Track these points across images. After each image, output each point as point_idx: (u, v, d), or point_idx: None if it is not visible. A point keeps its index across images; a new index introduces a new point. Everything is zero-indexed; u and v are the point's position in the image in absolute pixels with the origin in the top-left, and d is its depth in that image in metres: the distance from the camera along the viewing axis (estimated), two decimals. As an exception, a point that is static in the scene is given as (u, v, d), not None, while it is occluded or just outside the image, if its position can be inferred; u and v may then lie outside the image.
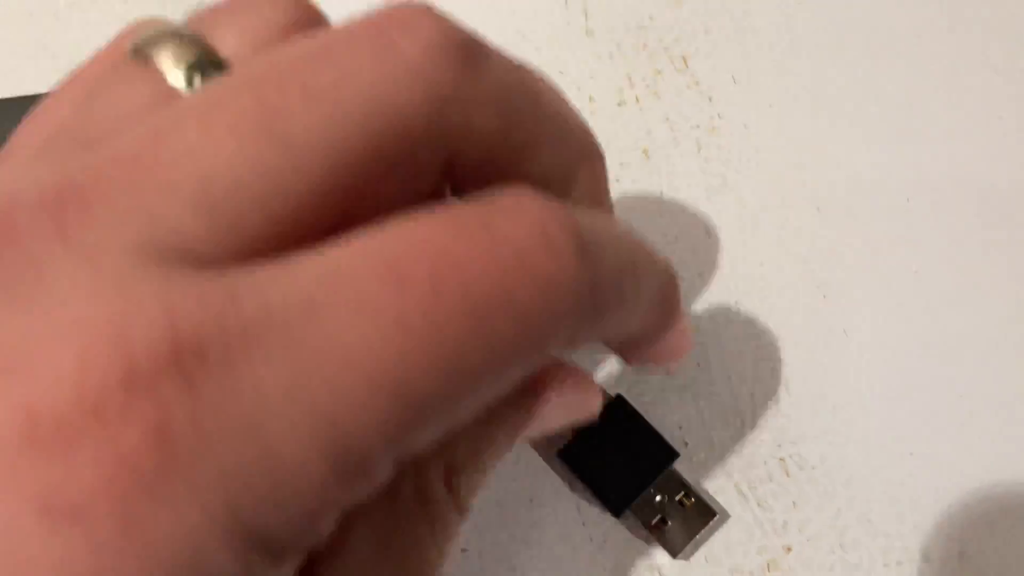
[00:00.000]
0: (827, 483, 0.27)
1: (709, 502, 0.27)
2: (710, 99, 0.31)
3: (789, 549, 0.27)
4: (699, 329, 0.29)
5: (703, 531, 0.26)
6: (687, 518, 0.26)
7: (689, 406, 0.28)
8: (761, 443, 0.28)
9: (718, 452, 0.28)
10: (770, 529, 0.27)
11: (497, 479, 0.27)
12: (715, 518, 0.26)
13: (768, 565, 0.27)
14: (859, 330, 0.29)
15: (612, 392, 0.28)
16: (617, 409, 0.27)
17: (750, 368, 0.28)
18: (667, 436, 0.28)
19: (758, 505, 0.27)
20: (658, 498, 0.26)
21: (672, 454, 0.27)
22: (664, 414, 0.28)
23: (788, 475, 0.27)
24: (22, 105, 0.27)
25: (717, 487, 0.27)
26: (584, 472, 0.27)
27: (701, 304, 0.29)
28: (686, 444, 0.28)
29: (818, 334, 0.29)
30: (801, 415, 0.28)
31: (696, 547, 0.26)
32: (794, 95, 0.31)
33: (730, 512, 0.27)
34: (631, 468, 0.26)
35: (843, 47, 0.31)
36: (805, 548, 0.27)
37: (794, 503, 0.27)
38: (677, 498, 0.26)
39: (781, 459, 0.27)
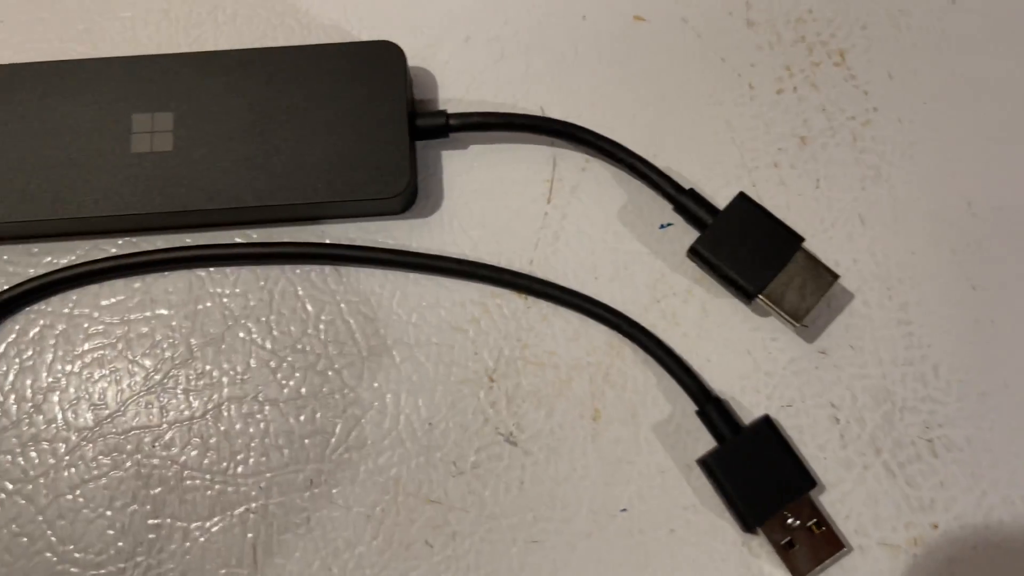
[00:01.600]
0: (973, 465, 0.29)
1: (838, 533, 0.27)
2: (866, 93, 0.32)
3: (936, 526, 0.28)
4: (853, 313, 0.30)
5: (828, 560, 0.27)
6: (815, 545, 0.27)
7: (842, 386, 0.29)
8: (910, 424, 0.29)
9: (869, 431, 0.29)
10: (917, 506, 0.28)
11: (631, 480, 0.29)
12: (842, 550, 0.27)
13: (915, 540, 0.28)
14: (1006, 321, 0.30)
15: (769, 398, 0.29)
16: (763, 429, 0.28)
17: (901, 352, 0.29)
18: (821, 415, 0.29)
19: (907, 483, 0.28)
20: (789, 520, 0.27)
21: (810, 481, 0.27)
22: (819, 392, 0.29)
23: (936, 456, 0.29)
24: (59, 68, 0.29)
25: (866, 463, 0.29)
26: (722, 484, 0.27)
27: (855, 289, 0.30)
28: (837, 421, 0.29)
29: (966, 323, 0.30)
30: (948, 399, 0.29)
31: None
32: (948, 91, 0.32)
33: (879, 488, 0.28)
34: (768, 488, 0.27)
35: (998, 44, 0.32)
36: (952, 526, 0.28)
37: (941, 483, 0.28)
38: (808, 524, 0.27)
39: (929, 440, 0.29)
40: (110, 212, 0.29)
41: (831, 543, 0.27)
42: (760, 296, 0.28)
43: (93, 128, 0.29)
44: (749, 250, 0.28)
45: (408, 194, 0.30)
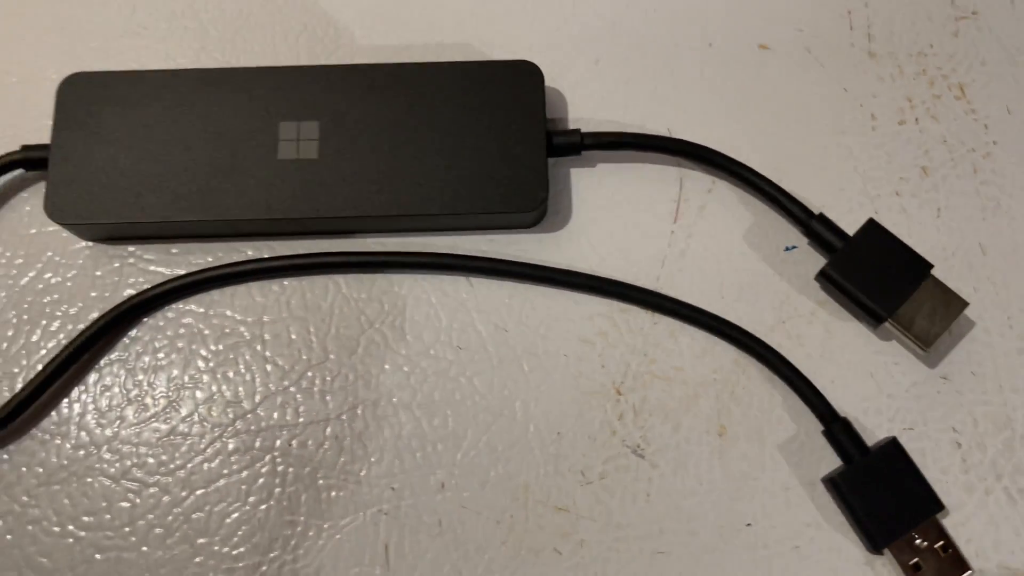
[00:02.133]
0: (1093, 494, 0.29)
1: (965, 556, 0.28)
2: (986, 127, 0.33)
3: (1057, 552, 0.28)
4: (974, 340, 0.30)
5: None
6: (941, 567, 0.28)
7: (964, 412, 0.30)
8: (1031, 451, 0.29)
9: (990, 456, 0.29)
10: (1037, 532, 0.29)
11: (756, 495, 0.29)
12: (968, 573, 0.28)
13: (1037, 565, 0.28)
14: (1125, 354, 0.30)
15: (892, 421, 0.29)
16: (891, 451, 0.28)
17: (1022, 381, 0.30)
18: (943, 439, 0.29)
19: (1027, 509, 0.29)
20: (917, 542, 0.28)
21: (938, 504, 0.28)
22: (941, 417, 0.30)
23: (1057, 483, 0.29)
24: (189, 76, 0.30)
25: (987, 488, 0.29)
26: (850, 503, 0.28)
27: (976, 316, 0.31)
28: (959, 445, 0.29)
29: (1085, 354, 0.30)
30: (1068, 428, 0.30)
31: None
32: (1066, 128, 0.33)
33: (1000, 512, 0.29)
34: (896, 509, 0.28)
35: (1114, 87, 0.33)
36: (1073, 552, 0.28)
37: (1062, 510, 0.29)
38: (935, 546, 0.28)
39: (1050, 468, 0.29)
40: (256, 216, 0.30)
41: (957, 565, 0.28)
42: (890, 320, 0.29)
43: (242, 134, 0.30)
44: (879, 275, 0.29)
45: (542, 209, 0.31)
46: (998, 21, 0.34)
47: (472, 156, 0.30)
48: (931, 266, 0.29)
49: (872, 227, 0.30)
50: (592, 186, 0.32)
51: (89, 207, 0.30)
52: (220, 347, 0.30)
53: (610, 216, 0.32)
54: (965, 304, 0.29)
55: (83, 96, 0.31)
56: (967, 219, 0.32)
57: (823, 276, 0.30)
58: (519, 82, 0.31)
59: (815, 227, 0.30)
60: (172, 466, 0.29)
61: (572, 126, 0.33)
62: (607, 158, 0.32)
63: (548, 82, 0.33)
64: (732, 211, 0.32)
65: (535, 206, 0.30)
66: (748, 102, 0.33)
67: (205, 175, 0.30)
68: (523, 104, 0.31)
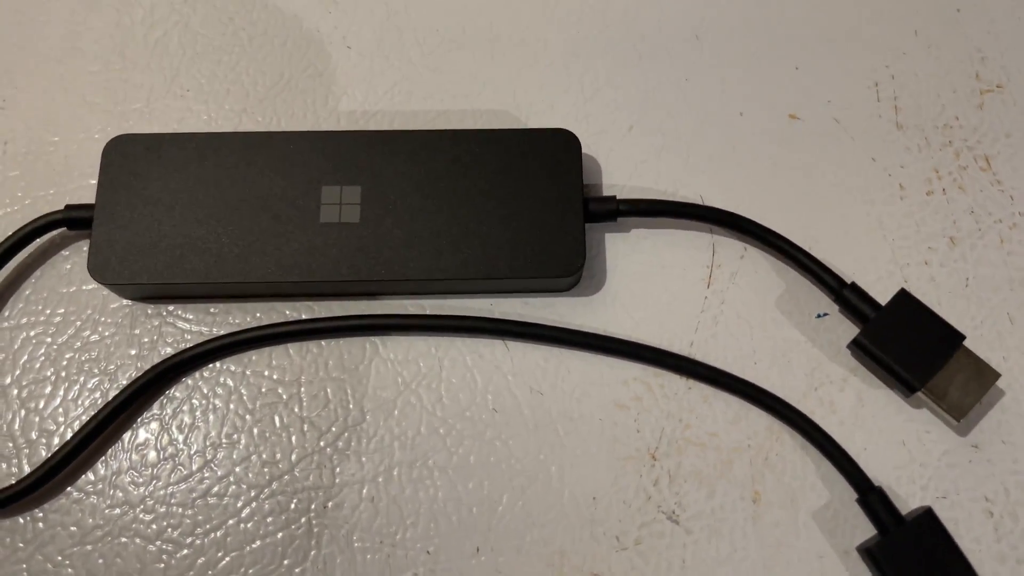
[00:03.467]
0: None
1: None
2: (1012, 198, 0.33)
3: (1092, 624, 0.29)
4: (1005, 409, 0.31)
5: None
6: None
7: (996, 481, 0.30)
8: (1064, 522, 0.30)
9: (1022, 526, 0.29)
10: (1072, 604, 0.29)
11: (791, 563, 0.29)
12: None
13: (1072, 638, 0.28)
14: None
15: (923, 489, 0.30)
16: (926, 521, 0.29)
17: (1052, 450, 0.30)
18: (975, 508, 0.30)
19: (1061, 580, 0.29)
20: None
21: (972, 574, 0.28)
22: (973, 486, 0.30)
23: (1090, 554, 0.29)
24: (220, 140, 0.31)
25: (1019, 557, 0.29)
26: (887, 575, 0.28)
27: (1006, 386, 0.31)
28: (991, 515, 0.30)
29: (1114, 425, 0.31)
30: (1100, 499, 0.30)
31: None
32: (1090, 201, 0.33)
33: (1034, 584, 0.29)
34: None
35: None
36: (1108, 625, 0.29)
37: (1096, 582, 0.29)
38: None
39: (1082, 539, 0.29)
40: (299, 278, 0.30)
41: (994, 637, 0.28)
42: (923, 390, 0.29)
43: (285, 198, 0.31)
44: (912, 345, 0.30)
45: (578, 275, 0.31)
46: (1022, 95, 0.35)
47: (510, 222, 0.31)
48: (963, 337, 0.30)
49: (904, 297, 0.30)
50: (627, 251, 0.33)
51: (132, 267, 0.30)
52: (257, 406, 0.31)
53: (644, 281, 0.32)
54: (997, 375, 0.29)
55: (128, 157, 0.31)
56: (995, 289, 0.32)
57: (856, 345, 0.30)
58: (556, 149, 0.32)
59: (847, 296, 0.31)
60: (207, 527, 0.29)
61: (607, 192, 0.33)
62: (641, 224, 0.33)
63: (584, 148, 0.34)
64: (764, 278, 0.32)
65: (572, 272, 0.30)
66: (779, 171, 0.34)
67: (247, 238, 0.30)
68: (560, 171, 0.31)
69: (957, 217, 0.33)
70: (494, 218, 0.31)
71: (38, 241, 0.32)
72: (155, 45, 0.35)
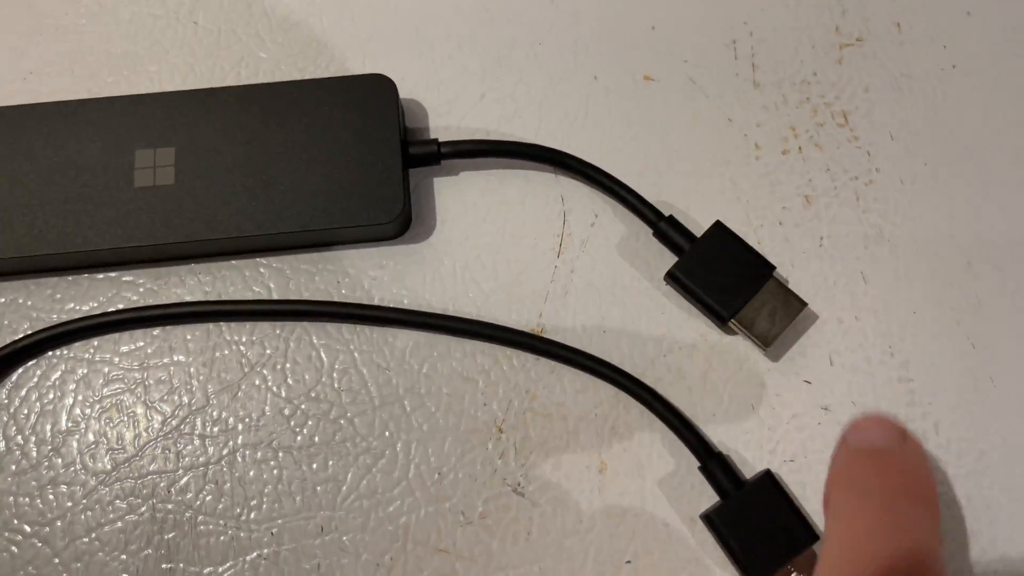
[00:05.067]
0: (972, 522, 0.29)
1: None
2: (868, 154, 0.33)
3: (936, 582, 0.28)
4: (856, 369, 0.30)
5: None
6: None
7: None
8: (911, 480, 0.29)
9: (870, 486, 0.29)
10: (917, 562, 0.29)
11: (636, 532, 0.29)
12: None
13: (915, 596, 0.28)
14: (1005, 378, 0.30)
15: (773, 452, 0.30)
16: (765, 485, 0.28)
17: (903, 409, 0.30)
18: (823, 470, 0.29)
19: (907, 539, 0.29)
20: (793, 575, 0.28)
21: (812, 536, 0.28)
22: (822, 448, 0.30)
23: (936, 512, 0.29)
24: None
25: (868, 519, 0.29)
26: (725, 539, 0.28)
27: (857, 346, 0.31)
28: (839, 477, 0.29)
29: (965, 381, 0.30)
30: (949, 456, 0.30)
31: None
32: (948, 154, 0.33)
33: (880, 543, 0.29)
34: (771, 542, 0.28)
35: (996, 107, 0.33)
36: (951, 582, 0.28)
37: (940, 540, 0.29)
38: None
39: (929, 497, 0.29)
40: (115, 244, 0.30)
41: (833, 596, 0.28)
42: (732, 320, 0.29)
43: (97, 165, 0.30)
44: (724, 276, 0.30)
45: (403, 220, 0.31)
46: (883, 47, 0.34)
47: (329, 171, 0.30)
48: (774, 267, 0.30)
49: (719, 229, 0.30)
50: (455, 195, 0.32)
51: (-55, 246, 0.30)
52: (102, 393, 0.30)
53: (477, 224, 0.32)
54: (804, 304, 0.30)
55: None
56: (849, 247, 0.32)
57: (670, 277, 0.30)
58: (372, 94, 0.31)
59: (664, 228, 0.31)
60: (51, 515, 0.29)
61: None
62: (471, 166, 0.32)
63: (436, 119, 0.33)
64: (610, 227, 0.32)
65: (393, 216, 0.30)
66: (634, 134, 0.33)
67: (63, 208, 0.30)
68: (377, 116, 0.31)
69: (813, 176, 0.33)
70: (312, 169, 0.30)
71: None
72: (-3, 27, 0.35)
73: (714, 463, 0.29)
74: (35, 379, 0.31)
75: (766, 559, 0.28)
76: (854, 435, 0.25)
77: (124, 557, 0.29)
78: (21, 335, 0.31)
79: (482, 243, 0.32)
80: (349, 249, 0.32)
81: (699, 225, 0.32)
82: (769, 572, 0.28)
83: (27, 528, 0.29)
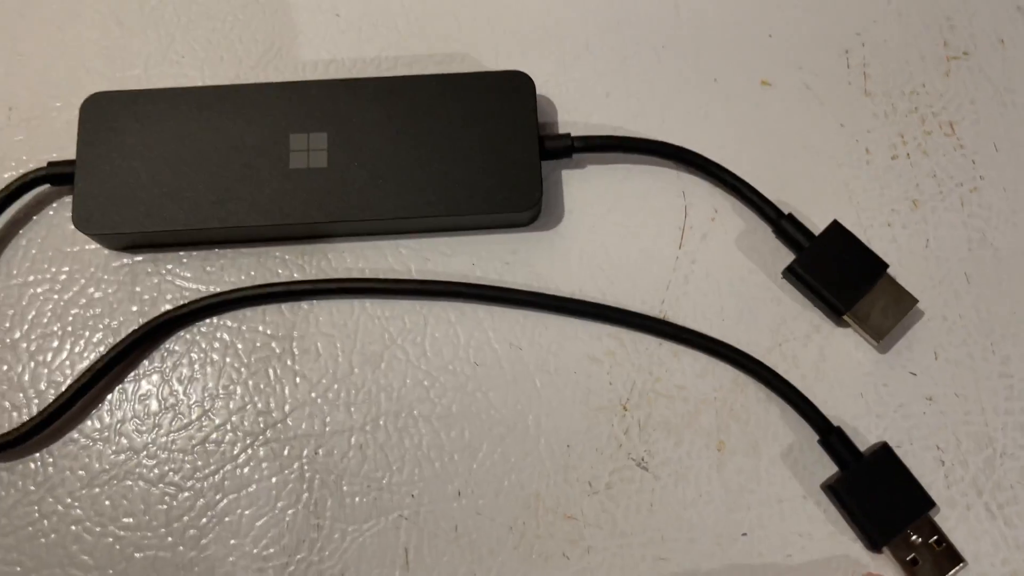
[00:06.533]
0: (1067, 510, 0.31)
1: (958, 549, 0.30)
2: (973, 162, 0.35)
3: (1032, 564, 0.31)
4: (959, 364, 0.32)
5: (951, 574, 0.30)
6: (937, 561, 0.30)
7: (948, 431, 0.32)
8: (1009, 469, 0.31)
9: (971, 473, 0.31)
10: (1014, 544, 0.31)
11: (752, 507, 0.31)
12: (961, 564, 0.30)
13: (1013, 574, 0.30)
14: (1100, 379, 0.32)
15: (880, 438, 0.32)
16: (883, 456, 0.31)
17: (1002, 403, 0.32)
18: (927, 456, 0.32)
19: (1005, 524, 0.31)
20: (913, 538, 0.30)
21: (930, 503, 0.30)
22: (926, 436, 0.32)
23: (1033, 499, 0.31)
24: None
25: (968, 503, 0.31)
26: (848, 507, 0.30)
27: (960, 341, 0.33)
28: (943, 463, 0.32)
29: (1062, 379, 0.32)
30: (1045, 448, 0.32)
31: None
32: (1049, 165, 0.35)
33: (980, 527, 0.31)
34: (892, 510, 0.30)
35: (1095, 126, 0.35)
36: (1047, 565, 0.31)
37: (1037, 524, 0.31)
38: (930, 541, 0.30)
39: (1027, 485, 0.31)
40: (270, 222, 0.32)
41: (951, 558, 0.30)
42: (847, 314, 0.31)
43: (255, 146, 0.33)
44: (840, 272, 0.32)
45: (536, 209, 0.33)
46: (988, 62, 0.36)
47: (471, 161, 0.32)
48: (887, 265, 0.32)
49: (836, 228, 0.32)
50: (582, 187, 0.34)
51: (113, 218, 0.32)
52: (252, 360, 0.33)
53: (603, 215, 0.34)
54: (915, 301, 0.32)
55: (105, 113, 0.33)
56: (954, 250, 0.34)
57: (790, 272, 0.32)
58: (512, 90, 0.33)
59: (784, 226, 0.33)
60: (206, 471, 0.32)
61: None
62: (598, 160, 0.35)
63: (564, 115, 0.35)
64: (729, 222, 0.34)
65: (530, 205, 0.32)
66: (749, 135, 0.35)
67: (222, 185, 0.32)
68: (516, 111, 0.33)
69: (920, 181, 0.35)
70: (455, 158, 0.32)
71: (26, 198, 0.34)
72: (151, 12, 0.37)
73: (834, 436, 0.31)
74: (190, 346, 0.33)
75: (888, 524, 0.30)
76: None
77: (275, 512, 0.31)
78: (179, 303, 0.33)
79: (607, 233, 0.34)
80: (483, 234, 0.34)
81: (812, 223, 0.34)
82: (891, 536, 0.30)
83: (183, 482, 0.31)
